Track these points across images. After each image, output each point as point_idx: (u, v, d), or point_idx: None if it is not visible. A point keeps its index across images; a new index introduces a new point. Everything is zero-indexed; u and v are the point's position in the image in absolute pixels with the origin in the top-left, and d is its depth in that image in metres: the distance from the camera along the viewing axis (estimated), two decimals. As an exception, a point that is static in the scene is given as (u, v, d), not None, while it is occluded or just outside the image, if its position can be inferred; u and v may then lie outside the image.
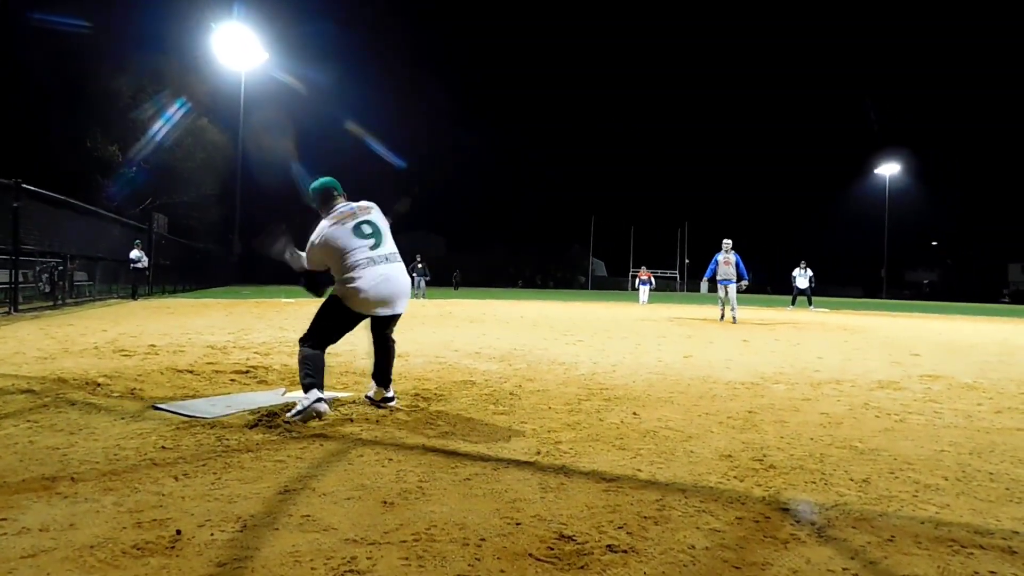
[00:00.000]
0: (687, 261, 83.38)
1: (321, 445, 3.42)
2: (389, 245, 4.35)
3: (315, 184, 4.44)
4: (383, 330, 4.50)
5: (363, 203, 4.44)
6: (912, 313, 25.56)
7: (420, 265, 27.74)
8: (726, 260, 15.77)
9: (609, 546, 2.19)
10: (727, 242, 15.86)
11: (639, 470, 3.13)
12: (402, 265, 4.42)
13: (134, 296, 18.39)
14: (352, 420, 4.01)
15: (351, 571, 1.96)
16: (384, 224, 4.41)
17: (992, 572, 2.06)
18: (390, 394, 4.48)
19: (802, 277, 25.26)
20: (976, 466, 3.34)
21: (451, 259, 55.74)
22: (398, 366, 6.40)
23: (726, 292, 15.80)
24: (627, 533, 2.31)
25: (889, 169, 55.34)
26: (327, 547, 2.13)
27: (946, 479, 3.10)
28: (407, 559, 2.05)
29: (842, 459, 3.42)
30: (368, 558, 2.05)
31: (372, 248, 4.23)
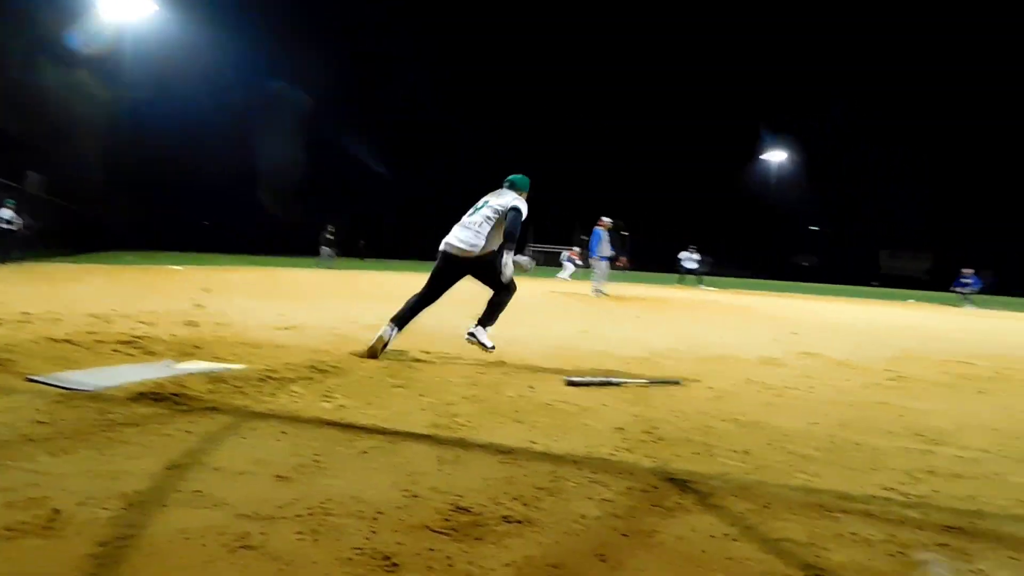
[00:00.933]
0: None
1: (212, 418, 3.31)
2: (476, 215, 5.61)
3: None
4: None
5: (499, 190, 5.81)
6: (793, 294, 27.05)
7: (330, 236, 27.38)
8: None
9: (504, 517, 2.24)
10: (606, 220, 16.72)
11: (534, 443, 3.20)
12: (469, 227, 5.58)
13: (3, 260, 17.05)
14: (245, 393, 3.90)
15: (244, 547, 1.92)
16: (493, 203, 5.62)
17: (853, 533, 2.23)
18: (471, 330, 5.68)
19: (689, 259, 27.77)
20: (844, 437, 3.60)
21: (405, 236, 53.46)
22: (292, 336, 6.26)
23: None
24: (522, 504, 2.37)
25: (775, 156, 58.00)
26: (219, 523, 2.08)
27: (817, 449, 3.33)
28: (302, 533, 2.03)
29: (725, 431, 3.61)
30: (262, 533, 2.02)
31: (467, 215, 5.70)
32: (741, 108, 62.13)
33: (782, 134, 55.64)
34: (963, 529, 2.33)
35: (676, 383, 4.88)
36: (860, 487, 2.76)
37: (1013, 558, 2.11)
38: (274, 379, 4.28)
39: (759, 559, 2.01)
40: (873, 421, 4.04)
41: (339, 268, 26.32)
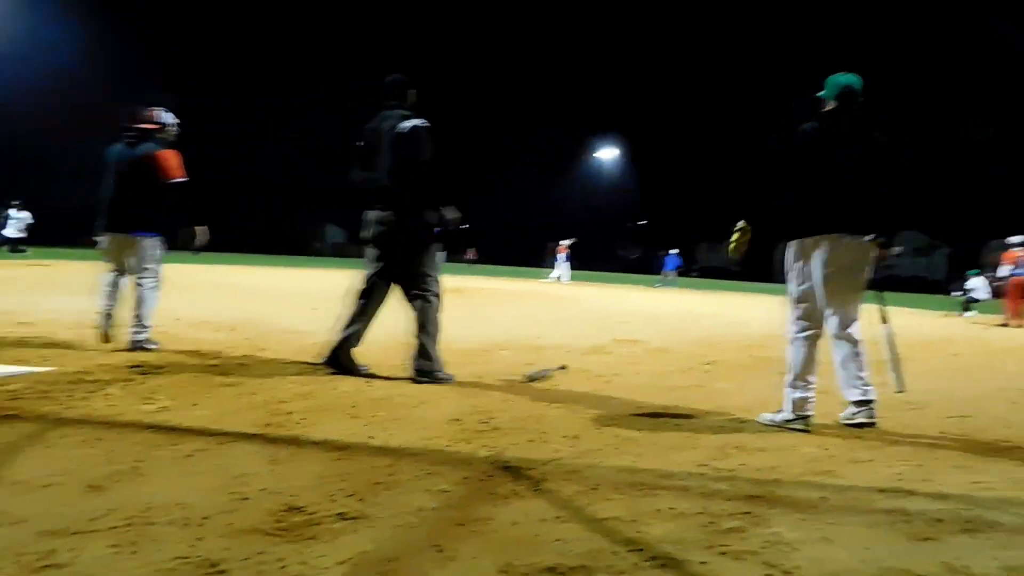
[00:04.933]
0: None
1: (12, 427, 3.00)
2: None
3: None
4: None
5: None
6: (615, 284, 28.38)
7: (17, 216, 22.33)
8: None
9: (340, 514, 2.20)
10: None
11: (371, 437, 3.18)
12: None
13: None
14: (52, 398, 3.56)
15: (49, 566, 1.77)
16: None
17: (671, 508, 2.41)
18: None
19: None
20: (665, 418, 3.86)
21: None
22: (114, 338, 5.79)
23: None
24: (358, 500, 2.35)
25: (608, 154, 60.73)
26: (18, 542, 1.89)
27: (640, 431, 3.55)
28: (117, 546, 1.90)
29: (558, 418, 3.76)
30: (70, 550, 1.86)
31: None
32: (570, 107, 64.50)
33: (611, 132, 58.29)
34: (763, 497, 2.57)
35: (562, 368, 5.11)
36: (678, 464, 2.97)
37: (803, 519, 2.36)
38: (87, 382, 3.94)
39: (587, 538, 2.11)
40: (691, 402, 4.35)
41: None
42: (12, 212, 18.43)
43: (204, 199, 5.87)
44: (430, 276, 4.72)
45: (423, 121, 4.63)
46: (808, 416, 3.79)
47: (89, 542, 1.91)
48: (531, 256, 38.75)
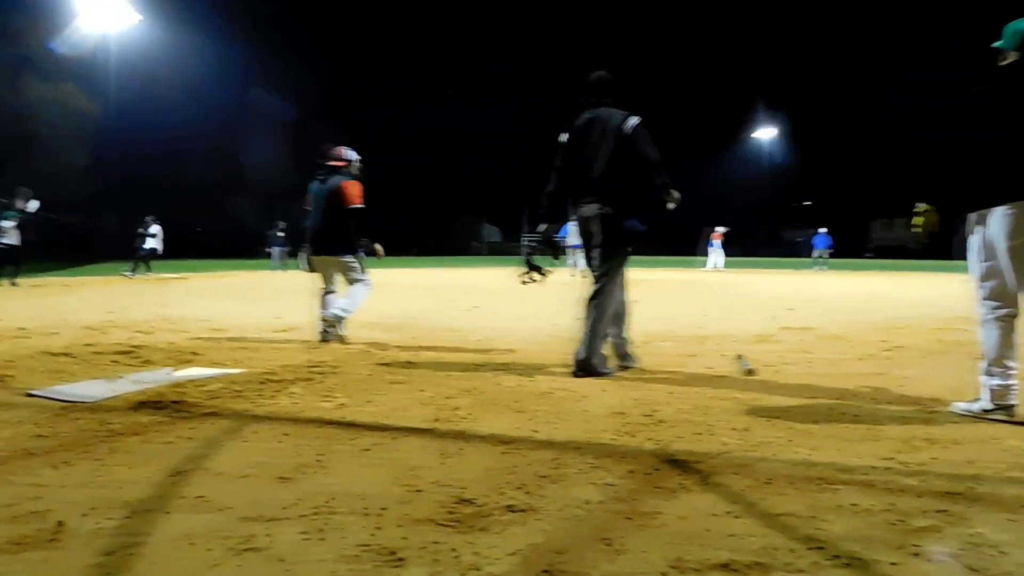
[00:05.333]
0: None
1: (213, 424, 3.32)
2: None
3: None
4: None
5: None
6: (787, 270, 27.12)
7: (280, 234, 25.39)
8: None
9: (508, 506, 2.25)
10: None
11: (536, 431, 3.22)
12: None
13: (2, 278, 16.77)
14: (245, 396, 3.91)
15: (249, 549, 1.93)
16: None
17: (853, 504, 2.25)
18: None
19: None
20: (842, 409, 3.62)
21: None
22: (289, 338, 6.27)
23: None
24: (525, 493, 2.38)
25: (766, 133, 57.99)
26: (223, 527, 2.08)
27: (816, 423, 3.35)
28: (307, 533, 2.04)
29: (725, 410, 3.63)
30: (267, 535, 2.03)
31: None
32: (729, 87, 62.17)
33: (771, 111, 55.58)
34: (961, 494, 2.35)
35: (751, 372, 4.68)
36: (859, 458, 2.78)
37: (1011, 520, 2.13)
38: (273, 381, 4.29)
39: (761, 534, 2.02)
40: (870, 392, 4.06)
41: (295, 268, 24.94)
42: (151, 228, 20.04)
43: (379, 214, 6.70)
44: (618, 273, 4.79)
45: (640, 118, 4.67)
46: (1012, 405, 3.41)
47: (282, 528, 2.08)
48: (682, 244, 37.33)
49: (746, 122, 57.85)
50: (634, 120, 4.61)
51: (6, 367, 4.77)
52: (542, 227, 5.10)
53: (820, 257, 27.84)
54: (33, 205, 18.43)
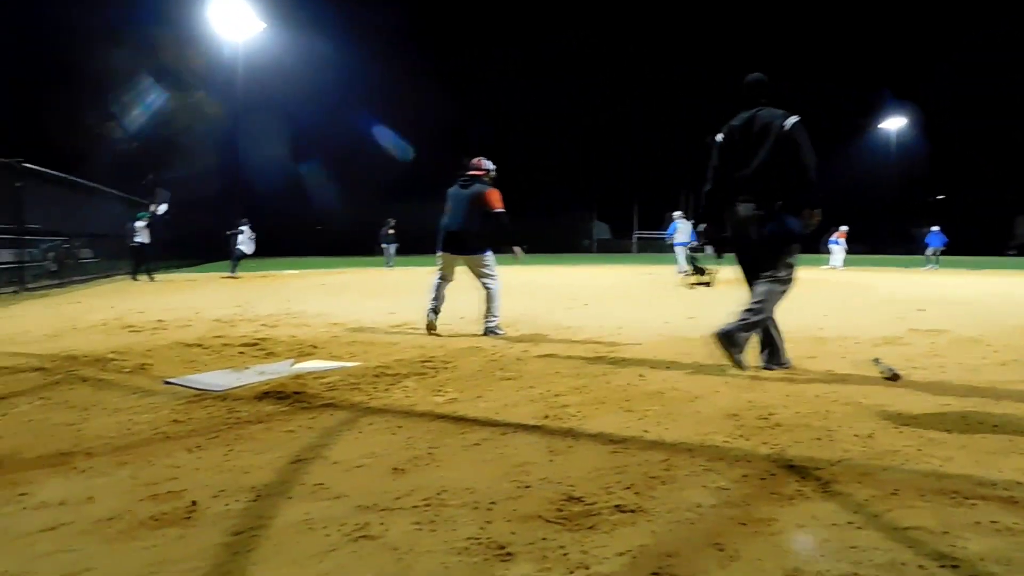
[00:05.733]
0: (692, 222, 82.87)
1: (331, 415, 3.46)
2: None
3: None
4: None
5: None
6: (917, 268, 25.54)
7: (391, 232, 25.51)
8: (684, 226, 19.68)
9: (617, 506, 2.22)
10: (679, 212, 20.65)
11: (646, 431, 3.17)
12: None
13: (135, 276, 18.13)
14: (361, 389, 4.05)
15: (364, 537, 2.00)
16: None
17: (993, 521, 2.09)
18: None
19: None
20: (979, 419, 3.36)
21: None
22: (402, 333, 6.45)
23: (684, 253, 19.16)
24: (634, 493, 2.35)
25: (894, 124, 54.79)
26: (339, 514, 2.17)
27: (949, 432, 3.13)
28: (419, 523, 2.09)
29: (846, 415, 3.45)
30: (381, 523, 2.09)
31: None
32: (857, 75, 59.11)
33: (900, 100, 52.45)
34: (1121, 515, 2.13)
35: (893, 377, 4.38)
36: (999, 471, 2.58)
37: None
38: (388, 375, 4.42)
39: (886, 548, 1.91)
40: (1013, 400, 3.75)
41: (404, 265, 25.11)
42: (245, 229, 20.65)
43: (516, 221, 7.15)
44: (785, 272, 4.71)
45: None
46: None
47: (395, 518, 2.13)
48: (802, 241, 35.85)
49: (872, 111, 54.89)
50: (794, 118, 4.59)
51: (146, 356, 5.16)
52: (701, 227, 5.14)
53: (933, 255, 26.93)
54: (162, 208, 19.79)
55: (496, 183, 6.92)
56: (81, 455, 2.79)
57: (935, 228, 27.15)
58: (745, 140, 4.69)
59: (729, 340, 4.52)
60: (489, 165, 6.98)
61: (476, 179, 6.81)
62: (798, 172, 4.51)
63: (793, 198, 4.56)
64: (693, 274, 5.20)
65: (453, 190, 6.84)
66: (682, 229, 19.96)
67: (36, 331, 6.85)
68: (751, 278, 4.83)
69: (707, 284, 4.80)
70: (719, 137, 4.87)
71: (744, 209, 4.68)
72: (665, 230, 21.98)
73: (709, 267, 4.77)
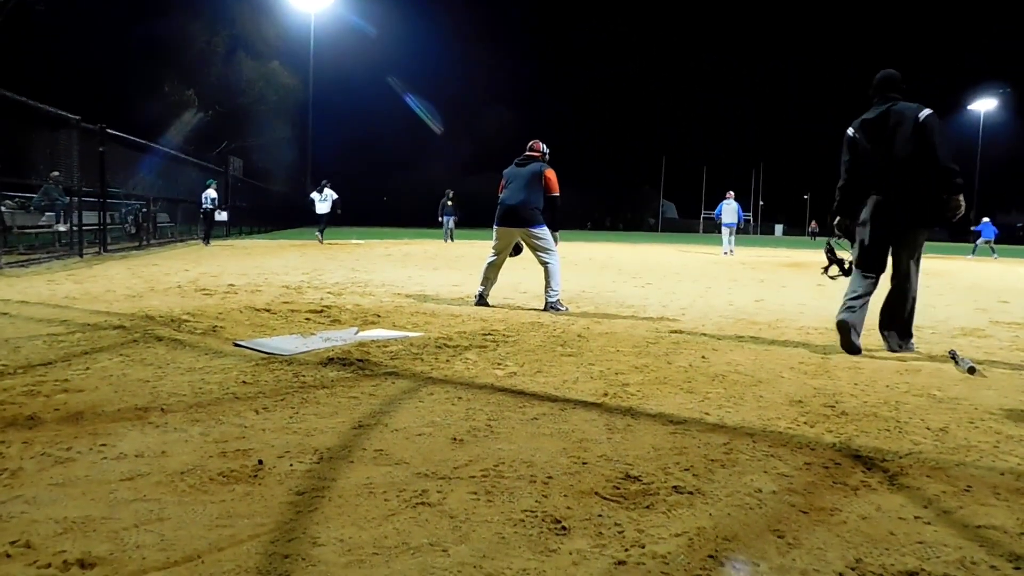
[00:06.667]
0: (761, 203, 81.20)
1: (393, 383, 3.52)
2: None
3: None
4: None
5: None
6: (1003, 259, 24.39)
7: (450, 204, 24.87)
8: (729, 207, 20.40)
9: (675, 487, 2.20)
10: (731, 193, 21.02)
11: (707, 413, 3.12)
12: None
13: (207, 241, 18.72)
14: (423, 359, 4.10)
15: (423, 503, 2.03)
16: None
17: (1075, 525, 1.99)
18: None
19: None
20: (1063, 417, 3.20)
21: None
22: (464, 306, 6.50)
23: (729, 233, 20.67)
24: (693, 475, 2.32)
25: (984, 105, 52.17)
26: (400, 480, 2.21)
27: (1029, 430, 2.99)
28: (476, 493, 2.12)
29: (919, 407, 3.33)
30: (439, 491, 2.12)
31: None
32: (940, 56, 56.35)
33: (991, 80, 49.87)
34: None
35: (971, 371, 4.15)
36: (1082, 473, 2.45)
37: None
38: (449, 347, 4.47)
39: (956, 545, 1.84)
40: (1100, 400, 3.56)
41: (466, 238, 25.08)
42: (327, 191, 20.37)
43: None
44: (918, 259, 4.91)
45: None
46: None
47: (454, 487, 2.16)
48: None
49: (961, 92, 52.31)
50: (928, 110, 4.70)
51: (218, 319, 5.33)
52: (837, 220, 5.23)
53: (987, 244, 26.78)
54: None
55: (552, 164, 7.17)
56: (156, 411, 2.91)
57: (986, 219, 27.16)
58: (880, 133, 4.80)
59: (904, 331, 4.86)
60: (544, 148, 7.28)
61: (532, 159, 7.08)
62: (936, 161, 4.59)
63: (934, 187, 4.65)
64: (829, 266, 5.22)
65: (510, 169, 7.12)
66: (727, 210, 20.32)
67: (117, 291, 7.16)
68: (878, 268, 4.94)
69: (846, 273, 4.83)
70: (851, 131, 4.98)
71: (882, 199, 4.79)
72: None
73: (846, 255, 4.82)
